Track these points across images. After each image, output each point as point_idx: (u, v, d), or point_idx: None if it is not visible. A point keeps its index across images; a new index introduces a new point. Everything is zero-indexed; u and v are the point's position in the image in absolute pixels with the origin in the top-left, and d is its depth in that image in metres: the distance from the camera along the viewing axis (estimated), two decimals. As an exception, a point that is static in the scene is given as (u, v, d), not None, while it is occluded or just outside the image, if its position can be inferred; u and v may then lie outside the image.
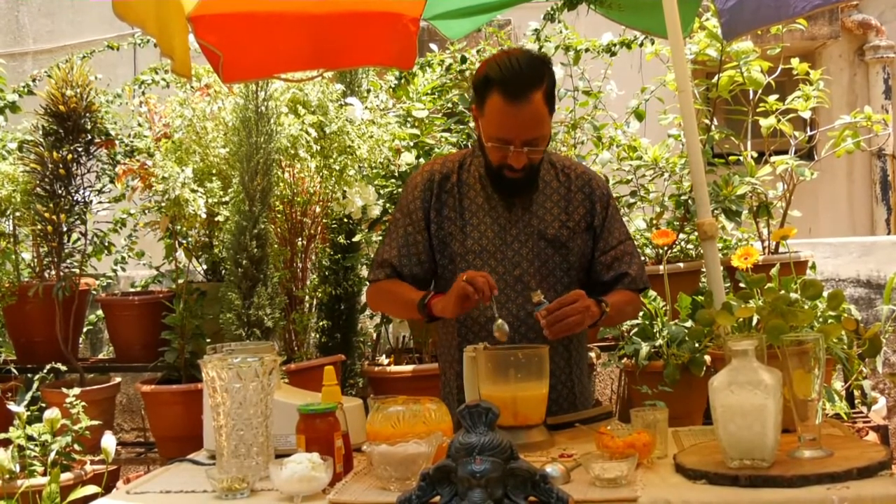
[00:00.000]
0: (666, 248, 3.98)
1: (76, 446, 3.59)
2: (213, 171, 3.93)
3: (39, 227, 4.03)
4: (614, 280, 2.54)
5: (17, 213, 4.15)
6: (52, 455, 3.49)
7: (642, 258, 2.86)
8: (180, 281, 3.96)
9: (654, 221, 4.22)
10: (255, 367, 2.05)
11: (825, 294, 2.76)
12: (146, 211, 4.23)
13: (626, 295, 2.54)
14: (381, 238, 3.84)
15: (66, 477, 3.49)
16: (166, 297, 4.04)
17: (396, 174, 4.10)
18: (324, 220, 4.07)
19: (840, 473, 1.79)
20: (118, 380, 4.27)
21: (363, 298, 4.32)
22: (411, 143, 4.14)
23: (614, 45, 4.51)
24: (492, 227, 2.51)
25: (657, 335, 3.61)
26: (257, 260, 3.68)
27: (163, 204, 3.78)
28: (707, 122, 4.19)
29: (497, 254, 2.50)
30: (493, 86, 2.37)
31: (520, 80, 2.34)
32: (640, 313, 3.56)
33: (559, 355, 2.49)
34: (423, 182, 2.57)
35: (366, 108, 4.05)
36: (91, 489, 3.40)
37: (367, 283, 2.62)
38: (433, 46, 4.64)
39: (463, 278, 2.29)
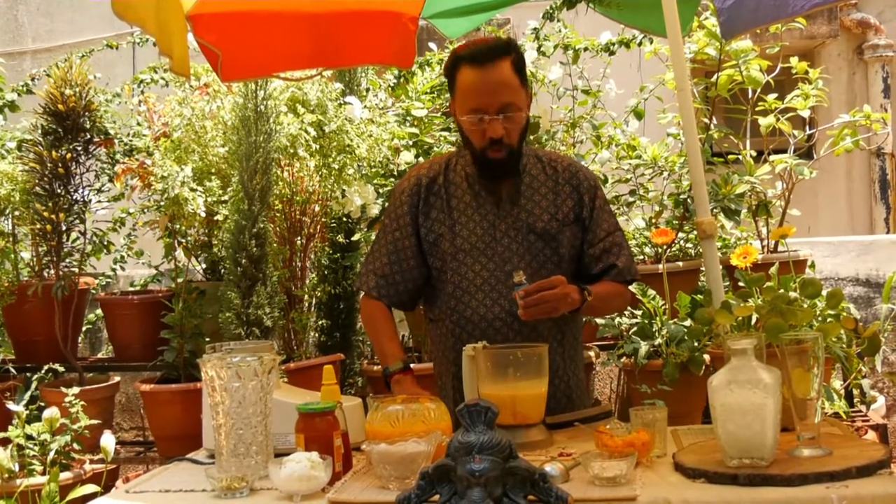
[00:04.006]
0: (665, 247, 3.98)
1: (75, 445, 3.59)
2: (213, 170, 3.92)
3: (38, 226, 4.03)
4: (603, 272, 2.54)
5: (17, 213, 4.15)
6: (52, 454, 3.49)
7: (632, 250, 2.87)
8: (179, 280, 3.96)
9: (653, 220, 4.22)
10: (254, 367, 2.05)
11: (824, 293, 2.76)
12: (145, 210, 4.24)
13: (612, 286, 2.54)
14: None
15: (65, 476, 3.48)
16: (165, 297, 4.04)
17: (395, 173, 4.10)
18: (323, 219, 4.06)
19: (839, 472, 1.79)
20: (117, 379, 4.27)
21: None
22: (410, 142, 4.14)
23: (613, 44, 4.51)
24: (480, 225, 2.52)
25: (656, 334, 3.61)
26: (256, 259, 3.68)
27: (162, 203, 3.78)
28: (706, 120, 4.19)
29: (487, 250, 2.50)
30: (460, 62, 2.46)
31: (484, 49, 2.45)
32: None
33: (553, 350, 2.48)
34: (410, 188, 2.59)
35: (365, 106, 4.05)
36: (90, 488, 3.40)
37: (359, 290, 2.66)
38: (432, 45, 4.63)
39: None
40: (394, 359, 2.49)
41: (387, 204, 4.04)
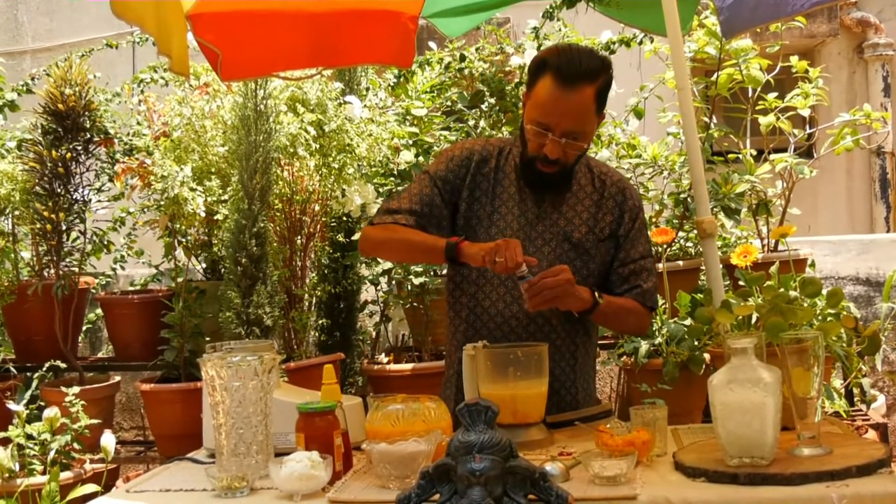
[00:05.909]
0: (665, 246, 3.98)
1: (76, 445, 3.58)
2: (212, 170, 3.92)
3: (38, 225, 4.03)
4: (626, 292, 2.51)
5: (17, 212, 4.14)
6: (52, 454, 3.49)
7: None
8: (179, 279, 3.96)
9: (654, 219, 4.22)
10: (254, 366, 2.05)
11: (824, 292, 2.77)
12: (145, 209, 4.23)
13: (630, 302, 2.50)
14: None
15: (65, 476, 3.48)
16: (165, 296, 4.04)
17: (395, 172, 4.10)
18: (323, 219, 4.06)
19: (839, 471, 1.79)
20: (117, 378, 4.27)
21: (363, 297, 4.32)
22: (410, 142, 4.14)
23: (613, 43, 4.51)
24: (518, 220, 2.47)
25: (656, 333, 3.61)
26: (256, 258, 3.68)
27: (162, 202, 3.78)
28: (706, 119, 4.19)
29: None
30: (547, 68, 2.36)
31: (575, 67, 2.35)
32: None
33: (565, 360, 2.48)
34: (461, 157, 2.53)
35: (365, 106, 4.05)
36: (91, 488, 3.40)
37: (370, 223, 2.51)
38: (432, 44, 4.63)
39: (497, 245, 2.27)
40: (442, 239, 2.40)
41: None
